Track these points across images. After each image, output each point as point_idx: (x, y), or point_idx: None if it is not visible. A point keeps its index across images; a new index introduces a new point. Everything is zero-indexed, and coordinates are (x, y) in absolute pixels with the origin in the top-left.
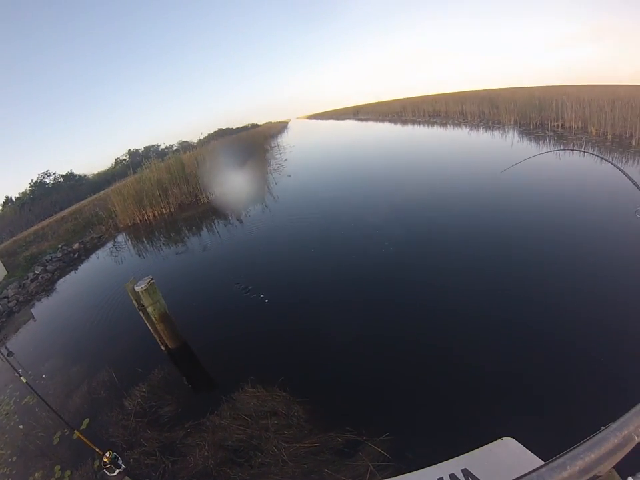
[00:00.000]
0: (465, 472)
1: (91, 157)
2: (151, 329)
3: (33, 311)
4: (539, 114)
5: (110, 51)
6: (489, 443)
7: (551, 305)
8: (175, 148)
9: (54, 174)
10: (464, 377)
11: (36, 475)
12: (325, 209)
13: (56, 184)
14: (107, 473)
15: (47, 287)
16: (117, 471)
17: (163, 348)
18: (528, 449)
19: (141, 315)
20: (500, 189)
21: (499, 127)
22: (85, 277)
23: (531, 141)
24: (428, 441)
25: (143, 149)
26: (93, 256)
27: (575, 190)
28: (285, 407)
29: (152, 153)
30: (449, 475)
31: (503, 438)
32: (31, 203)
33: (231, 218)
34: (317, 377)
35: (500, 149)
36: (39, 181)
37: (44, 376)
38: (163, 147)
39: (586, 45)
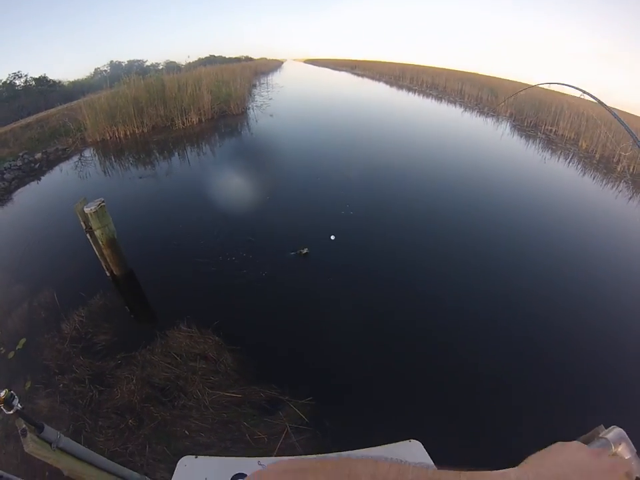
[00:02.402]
0: None
1: (69, 63)
2: (97, 253)
3: None
4: (536, 114)
5: None
6: (396, 442)
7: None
8: (160, 67)
9: (26, 76)
10: (403, 367)
11: None
12: (300, 156)
13: (26, 87)
14: (4, 410)
15: (2, 197)
16: (11, 411)
17: (107, 274)
18: (432, 457)
19: (88, 237)
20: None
21: (493, 116)
22: (43, 191)
23: (521, 137)
24: (348, 415)
25: (126, 62)
26: (56, 169)
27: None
28: (216, 352)
29: (135, 68)
30: None
31: (411, 440)
32: None
33: (203, 148)
34: (252, 327)
35: (490, 136)
36: (8, 81)
37: None
38: (148, 63)
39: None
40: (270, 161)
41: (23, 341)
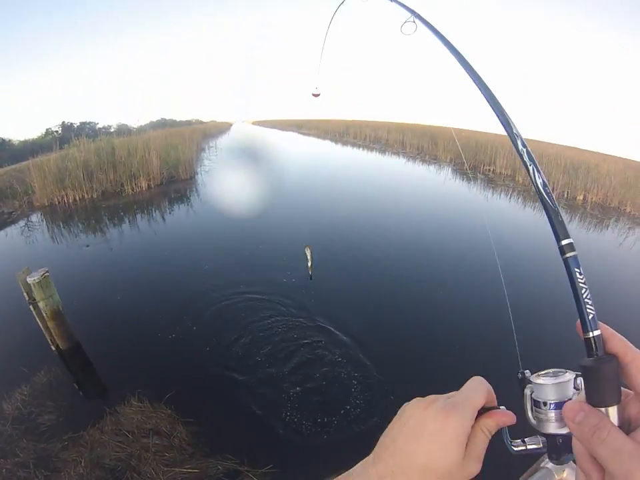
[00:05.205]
0: None
1: (20, 121)
2: (42, 326)
3: None
4: (474, 156)
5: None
6: None
7: None
8: (112, 130)
9: None
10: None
11: None
12: (242, 224)
13: None
14: None
15: None
16: None
17: (53, 347)
18: None
19: (32, 309)
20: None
21: (435, 163)
22: None
23: (462, 179)
24: None
25: (78, 123)
26: (1, 233)
27: None
28: (169, 426)
29: (87, 130)
30: None
31: None
32: None
33: (152, 215)
34: (207, 397)
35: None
36: None
37: None
38: (100, 126)
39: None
40: (219, 229)
41: None
